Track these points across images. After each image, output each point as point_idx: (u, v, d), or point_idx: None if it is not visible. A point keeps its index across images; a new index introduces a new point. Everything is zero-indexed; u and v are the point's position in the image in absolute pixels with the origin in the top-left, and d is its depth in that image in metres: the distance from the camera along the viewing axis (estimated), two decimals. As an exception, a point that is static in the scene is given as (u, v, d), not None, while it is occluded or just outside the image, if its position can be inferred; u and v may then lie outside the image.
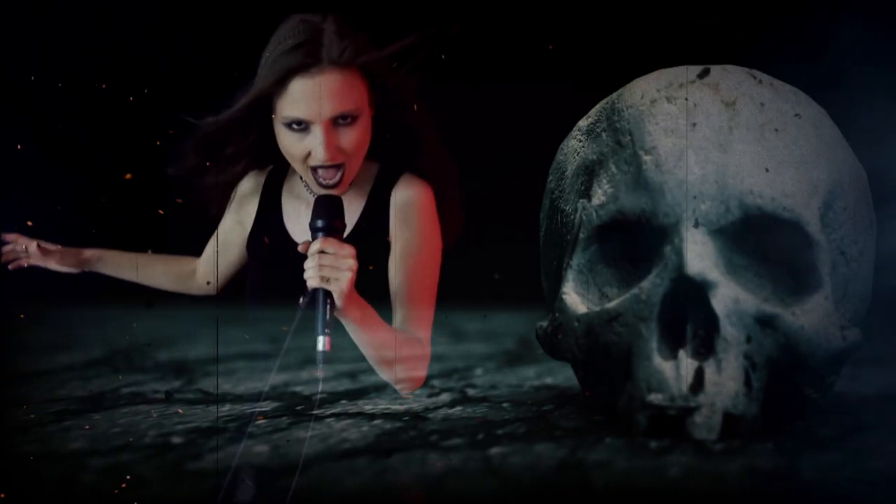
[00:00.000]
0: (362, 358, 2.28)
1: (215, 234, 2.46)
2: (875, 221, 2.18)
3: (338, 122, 2.18)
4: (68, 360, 2.95)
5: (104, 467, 1.79)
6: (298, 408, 2.25)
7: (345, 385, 2.54)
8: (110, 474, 1.75)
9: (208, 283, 2.47)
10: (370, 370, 2.33)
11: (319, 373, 2.08)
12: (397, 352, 2.23)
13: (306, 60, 2.16)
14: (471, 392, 2.46)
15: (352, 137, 2.19)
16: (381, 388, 2.39)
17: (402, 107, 2.28)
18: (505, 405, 2.27)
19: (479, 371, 2.79)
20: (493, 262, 2.76)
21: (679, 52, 2.19)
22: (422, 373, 2.31)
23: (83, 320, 3.18)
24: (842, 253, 2.08)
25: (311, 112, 2.16)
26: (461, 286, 2.99)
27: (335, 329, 2.15)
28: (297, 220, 2.37)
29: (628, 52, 2.32)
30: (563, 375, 2.63)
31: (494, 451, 1.87)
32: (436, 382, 2.59)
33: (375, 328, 2.20)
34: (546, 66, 2.56)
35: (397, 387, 2.31)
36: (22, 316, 2.50)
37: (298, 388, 2.46)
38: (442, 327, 3.66)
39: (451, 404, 2.29)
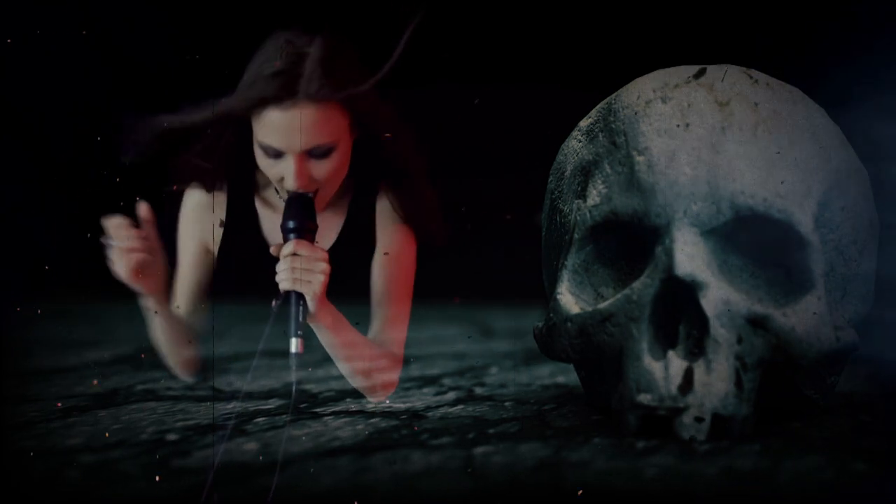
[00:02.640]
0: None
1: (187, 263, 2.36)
2: (877, 221, 2.16)
3: (312, 153, 2.15)
4: (94, 357, 3.01)
5: (93, 464, 1.83)
6: (302, 405, 2.27)
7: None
8: (97, 471, 1.79)
9: (178, 306, 2.36)
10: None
11: (293, 375, 2.10)
12: (368, 359, 2.24)
13: (281, 93, 2.11)
14: (478, 391, 2.47)
15: (326, 168, 2.17)
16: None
17: (382, 135, 2.24)
18: (507, 404, 2.28)
19: (494, 370, 2.80)
20: (523, 260, 2.77)
21: (679, 52, 2.19)
22: (394, 377, 2.30)
23: (116, 316, 3.21)
24: (840, 253, 2.07)
25: (284, 143, 2.13)
26: (494, 283, 3.01)
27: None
28: (274, 228, 2.30)
29: (628, 52, 2.31)
30: (575, 375, 2.62)
31: (479, 450, 1.88)
32: (446, 381, 2.60)
33: (346, 333, 2.20)
34: (548, 66, 2.56)
35: (368, 394, 2.30)
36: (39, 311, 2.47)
37: (309, 387, 2.49)
38: (471, 325, 3.69)
39: (454, 403, 2.31)
